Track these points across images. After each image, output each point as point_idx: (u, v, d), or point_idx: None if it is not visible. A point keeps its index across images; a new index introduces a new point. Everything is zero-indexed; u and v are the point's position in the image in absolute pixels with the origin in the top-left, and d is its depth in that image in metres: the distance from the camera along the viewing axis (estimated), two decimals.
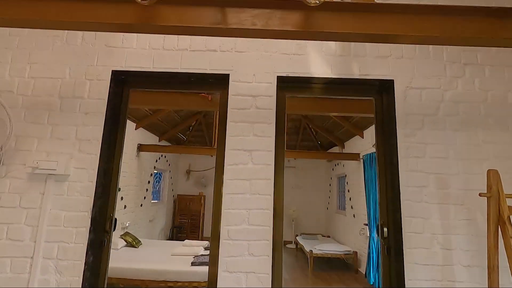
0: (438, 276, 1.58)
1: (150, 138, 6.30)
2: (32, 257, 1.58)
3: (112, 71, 1.79)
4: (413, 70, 1.80)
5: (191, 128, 7.68)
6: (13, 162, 1.68)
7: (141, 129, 5.74)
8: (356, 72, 1.80)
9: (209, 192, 8.37)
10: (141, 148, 5.62)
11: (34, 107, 1.74)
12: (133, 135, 5.38)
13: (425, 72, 1.80)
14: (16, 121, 1.69)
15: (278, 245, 1.66)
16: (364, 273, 4.91)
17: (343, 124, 5.54)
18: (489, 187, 1.42)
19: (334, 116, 5.48)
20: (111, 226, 1.73)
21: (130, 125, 5.20)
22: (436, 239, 1.61)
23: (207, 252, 3.69)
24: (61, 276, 1.57)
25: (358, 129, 5.43)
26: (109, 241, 1.73)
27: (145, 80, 1.91)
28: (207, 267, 1.64)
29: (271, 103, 1.76)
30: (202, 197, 8.11)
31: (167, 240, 7.10)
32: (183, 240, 4.51)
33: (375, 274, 4.32)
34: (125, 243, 4.03)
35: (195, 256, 3.43)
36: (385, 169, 1.78)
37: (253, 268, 1.58)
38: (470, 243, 1.61)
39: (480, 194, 1.42)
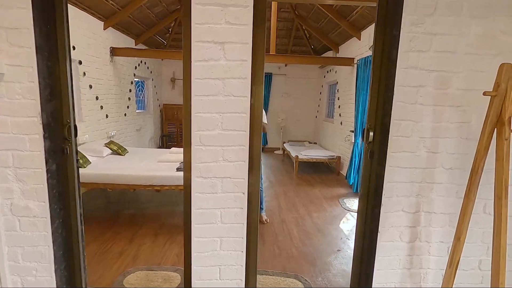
0: (418, 178, 1.55)
1: (125, 41, 5.62)
2: None
3: None
4: None
5: (170, 30, 6.85)
6: None
7: (112, 30, 5.02)
8: None
9: None
10: (114, 52, 5.04)
11: None
12: (103, 36, 4.73)
13: None
14: None
15: (255, 151, 1.55)
16: (345, 175, 5.24)
17: (339, 23, 4.94)
18: (497, 84, 1.23)
19: (330, 13, 4.82)
20: (71, 133, 1.56)
21: (96, 24, 4.51)
22: (424, 142, 1.52)
23: None
24: (23, 184, 1.47)
25: (356, 29, 4.87)
26: (72, 148, 1.58)
27: None
28: None
29: None
30: None
31: (157, 148, 7.25)
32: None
33: (354, 175, 4.58)
34: (111, 151, 4.00)
35: (181, 162, 3.45)
36: (381, 67, 1.53)
37: (229, 174, 1.50)
38: (457, 146, 1.53)
39: (484, 93, 1.24)
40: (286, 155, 7.16)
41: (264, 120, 3.25)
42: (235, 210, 1.54)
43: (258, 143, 1.56)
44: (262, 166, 3.40)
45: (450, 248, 1.48)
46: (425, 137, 1.51)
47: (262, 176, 3.39)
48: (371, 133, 1.58)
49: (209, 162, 1.49)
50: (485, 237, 1.63)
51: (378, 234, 1.59)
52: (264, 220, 3.29)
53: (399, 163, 1.53)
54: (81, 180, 3.14)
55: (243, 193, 1.53)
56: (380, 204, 1.57)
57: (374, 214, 1.62)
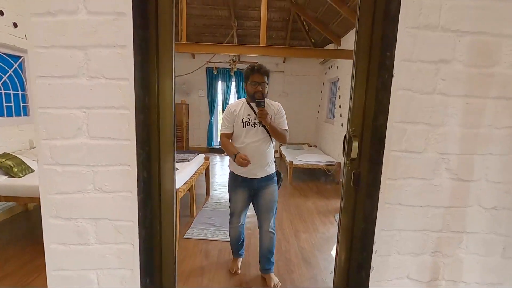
0: (436, 225, 0.89)
1: None
2: None
3: None
4: None
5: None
6: None
7: None
8: None
9: (192, 100, 7.56)
10: None
11: None
12: None
13: None
14: None
15: (164, 172, 0.93)
16: None
17: (339, 9, 4.26)
18: None
19: None
20: None
21: None
22: (447, 162, 0.86)
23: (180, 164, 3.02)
24: None
25: None
26: None
27: None
28: None
29: None
30: (185, 106, 7.37)
31: None
32: None
33: None
34: None
35: None
36: (372, 28, 0.89)
37: (106, 213, 0.88)
38: (508, 170, 0.87)
39: None
40: (282, 159, 6.50)
41: (285, 125, 2.07)
42: (121, 272, 0.91)
43: (168, 159, 0.93)
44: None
45: None
46: (450, 153, 0.86)
47: (275, 211, 2.16)
48: (355, 144, 0.93)
49: (71, 193, 0.87)
50: None
51: None
52: (274, 285, 2.08)
53: (403, 198, 0.87)
54: (10, 194, 2.61)
55: (133, 245, 0.90)
56: (369, 266, 0.91)
57: (359, 282, 0.96)
